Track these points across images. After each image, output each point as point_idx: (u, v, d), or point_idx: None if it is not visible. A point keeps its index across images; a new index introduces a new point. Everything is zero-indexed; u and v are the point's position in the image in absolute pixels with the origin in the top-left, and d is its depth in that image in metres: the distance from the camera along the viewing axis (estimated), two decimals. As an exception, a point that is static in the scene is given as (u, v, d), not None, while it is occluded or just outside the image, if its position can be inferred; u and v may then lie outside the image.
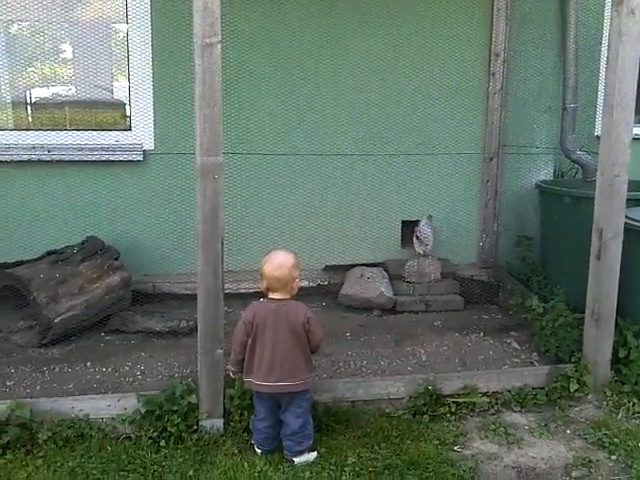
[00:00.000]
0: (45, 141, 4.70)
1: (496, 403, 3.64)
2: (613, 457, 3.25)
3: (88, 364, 3.93)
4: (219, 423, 3.34)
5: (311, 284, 5.05)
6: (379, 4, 4.92)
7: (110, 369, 3.88)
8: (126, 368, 3.90)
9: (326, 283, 5.11)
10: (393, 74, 5.03)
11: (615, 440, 3.35)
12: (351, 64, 4.97)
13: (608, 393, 3.72)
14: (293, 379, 3.09)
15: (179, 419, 3.28)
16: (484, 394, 3.66)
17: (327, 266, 5.12)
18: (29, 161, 4.63)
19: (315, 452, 3.19)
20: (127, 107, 4.87)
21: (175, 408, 3.31)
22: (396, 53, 5.01)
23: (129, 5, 4.66)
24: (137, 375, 3.83)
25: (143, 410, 3.32)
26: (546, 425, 3.49)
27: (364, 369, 3.93)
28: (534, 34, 5.23)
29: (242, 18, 4.72)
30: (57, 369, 3.87)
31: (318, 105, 4.97)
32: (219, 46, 3.06)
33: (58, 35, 5.04)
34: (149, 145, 4.80)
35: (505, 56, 5.12)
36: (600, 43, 5.36)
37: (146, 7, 4.64)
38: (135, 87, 4.76)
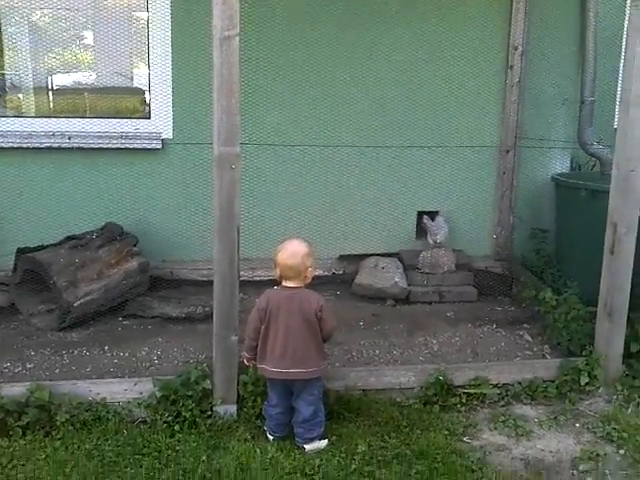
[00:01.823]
0: (65, 128, 4.76)
1: (506, 395, 3.67)
2: (621, 451, 3.27)
3: (106, 348, 4.01)
4: (232, 409, 3.40)
5: (326, 273, 5.09)
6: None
7: (127, 353, 3.96)
8: (143, 353, 3.98)
9: (341, 272, 5.15)
10: (410, 66, 5.04)
11: (624, 434, 3.37)
12: (368, 55, 4.98)
13: (619, 387, 3.74)
14: (305, 366, 3.15)
15: (193, 404, 3.35)
16: (495, 385, 3.69)
17: (342, 255, 5.16)
18: (49, 148, 4.70)
19: (326, 440, 3.24)
20: (147, 95, 4.92)
21: (190, 393, 3.37)
22: (414, 44, 5.02)
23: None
24: (153, 360, 3.91)
25: (159, 395, 3.39)
26: (555, 418, 3.52)
27: (376, 358, 3.98)
28: (553, 26, 5.21)
29: (262, 10, 4.75)
30: (75, 352, 3.95)
31: (335, 96, 4.99)
32: (237, 39, 3.09)
33: (80, 22, 5.11)
34: (167, 134, 4.85)
35: (523, 49, 5.10)
36: (621, 36, 5.33)
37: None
38: (155, 75, 4.81)
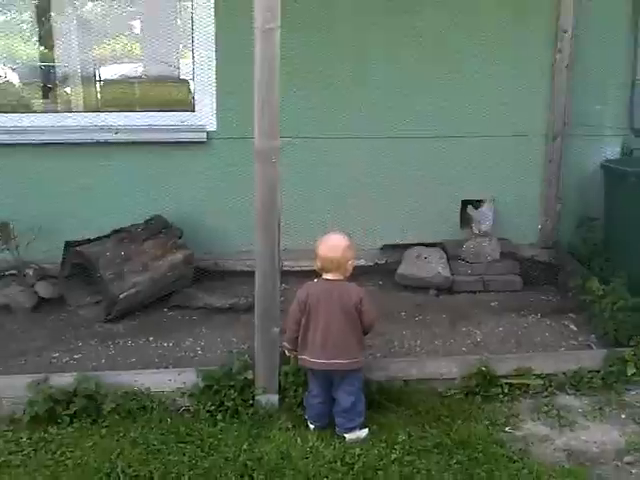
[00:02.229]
0: (112, 122, 4.85)
1: (550, 385, 3.63)
2: (667, 443, 3.21)
3: (151, 339, 4.10)
4: (274, 398, 3.44)
5: (369, 263, 5.09)
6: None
7: (171, 344, 4.04)
8: (187, 343, 4.05)
9: (383, 262, 5.14)
10: (455, 51, 4.96)
11: (670, 426, 3.30)
12: (412, 39, 4.92)
13: (667, 378, 3.66)
14: (344, 358, 3.16)
15: (236, 394, 3.40)
16: (538, 376, 3.65)
17: (385, 245, 5.14)
18: (97, 142, 4.80)
19: (366, 429, 3.26)
20: (191, 88, 4.97)
21: (232, 383, 3.43)
22: (459, 29, 4.93)
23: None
24: (197, 350, 3.98)
25: (202, 385, 3.46)
26: (600, 409, 3.47)
27: (418, 349, 3.97)
28: (603, 9, 5.03)
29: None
30: (121, 343, 4.05)
31: (376, 82, 4.96)
32: (279, 31, 3.09)
33: (125, 13, 5.18)
34: (212, 127, 4.90)
35: (572, 32, 4.97)
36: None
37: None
38: (199, 67, 4.84)
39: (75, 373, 3.48)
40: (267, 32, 3.06)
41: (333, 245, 3.24)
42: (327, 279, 3.26)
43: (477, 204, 5.08)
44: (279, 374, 3.45)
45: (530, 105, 5.11)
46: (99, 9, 5.21)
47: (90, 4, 5.15)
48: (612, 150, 5.27)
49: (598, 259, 4.85)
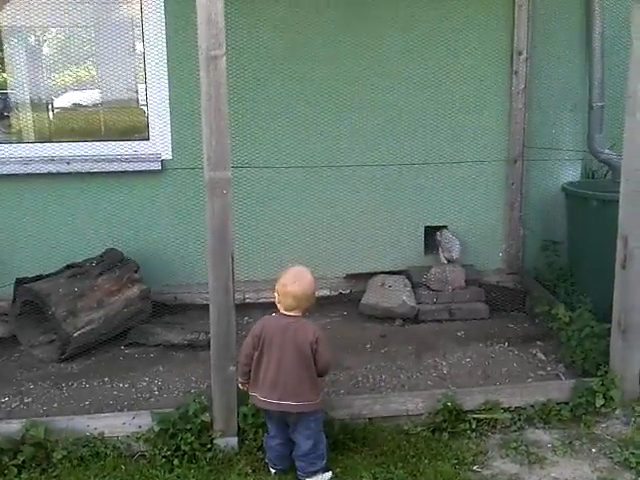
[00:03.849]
0: (64, 152, 4.70)
1: (519, 419, 3.52)
2: (640, 478, 3.12)
3: (106, 379, 3.93)
4: (233, 441, 3.29)
5: (332, 293, 4.99)
6: (395, 4, 4.82)
7: (127, 384, 3.88)
8: (143, 383, 3.89)
9: (347, 292, 5.04)
10: (411, 76, 4.91)
11: (643, 460, 3.21)
12: (367, 67, 4.87)
13: (637, 409, 3.57)
14: (296, 399, 3.00)
15: (193, 437, 3.24)
16: (506, 409, 3.55)
17: (348, 274, 5.04)
18: (48, 173, 4.64)
19: (330, 472, 3.12)
20: (145, 116, 4.84)
21: (189, 426, 3.27)
22: (413, 54, 4.88)
23: (144, 11, 4.61)
24: (154, 391, 3.81)
25: (157, 428, 3.29)
26: (570, 443, 3.36)
27: (383, 383, 3.85)
28: (558, 30, 5.05)
29: (255, 26, 4.67)
30: (75, 385, 3.87)
31: (338, 114, 4.89)
32: (224, 59, 3.00)
33: (78, 40, 5.04)
34: (167, 155, 4.77)
35: (528, 54, 4.96)
36: (628, 37, 5.18)
37: (160, 8, 4.60)
38: (152, 95, 4.73)
39: (24, 419, 3.29)
40: (212, 59, 2.96)
41: (296, 281, 3.07)
42: (284, 314, 3.11)
43: (440, 230, 5.01)
44: (238, 415, 3.31)
45: (489, 129, 5.08)
46: (51, 36, 5.06)
47: (41, 32, 5.00)
48: (573, 172, 5.26)
49: (563, 284, 4.81)
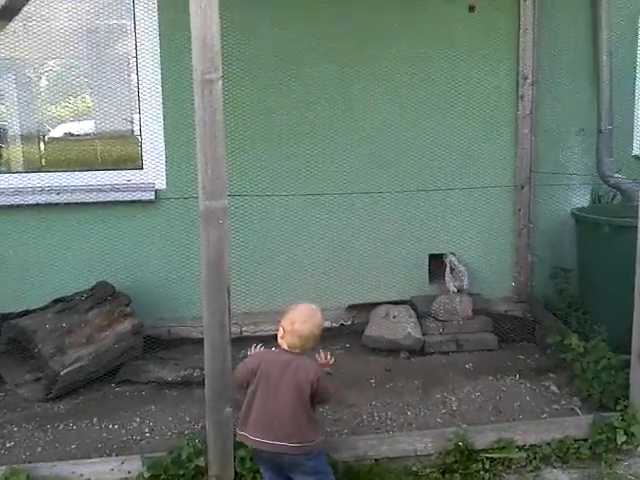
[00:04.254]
0: (54, 182, 4.53)
1: (534, 458, 3.30)
2: (667, 522, 2.90)
3: (94, 420, 3.70)
4: (230, 487, 3.08)
5: (334, 324, 4.78)
6: (398, 28, 4.69)
7: (117, 425, 3.65)
8: (134, 424, 3.66)
9: (349, 323, 4.83)
10: (415, 103, 4.77)
11: (669, 501, 3.00)
12: (370, 94, 4.73)
13: (660, 445, 3.36)
14: (292, 440, 2.77)
15: (186, 484, 3.03)
16: (521, 448, 3.33)
17: (350, 305, 4.84)
18: (37, 205, 4.46)
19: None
20: (139, 145, 4.68)
21: (182, 472, 3.06)
22: (417, 80, 4.75)
23: (139, 41, 4.50)
24: (145, 432, 3.59)
25: (147, 474, 3.08)
26: (591, 484, 3.15)
27: (389, 422, 3.62)
28: (564, 53, 4.93)
29: (256, 52, 4.54)
30: (61, 426, 3.65)
31: (340, 141, 4.74)
32: (220, 82, 2.84)
33: (68, 73, 4.91)
34: (161, 185, 4.60)
35: (534, 78, 4.82)
36: (635, 59, 5.06)
37: (155, 38, 4.48)
38: (146, 123, 4.58)
39: (4, 466, 3.07)
40: (207, 83, 2.79)
41: (306, 321, 2.88)
42: (286, 350, 2.90)
43: (450, 258, 4.82)
44: (234, 459, 3.09)
45: (495, 155, 4.93)
46: (48, 69, 4.93)
47: (38, 64, 4.87)
48: (581, 197, 5.09)
49: (575, 313, 4.61)
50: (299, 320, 2.88)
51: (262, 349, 3.08)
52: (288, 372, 2.82)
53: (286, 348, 2.90)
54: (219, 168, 2.89)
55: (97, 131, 4.94)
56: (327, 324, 4.60)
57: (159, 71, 4.48)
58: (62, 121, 4.98)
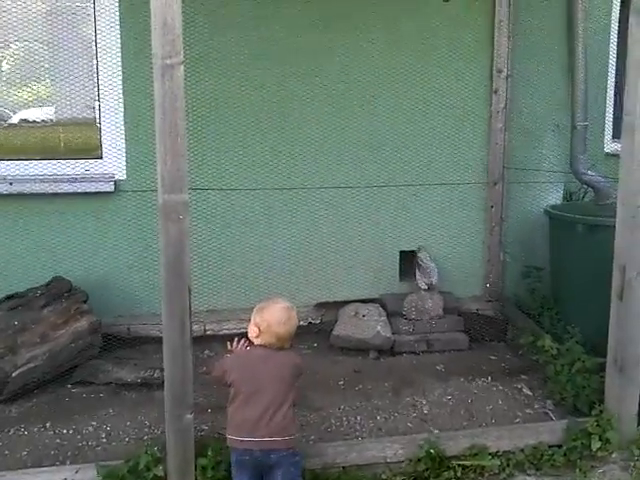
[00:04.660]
0: (7, 172, 4.29)
1: (507, 465, 3.18)
2: (644, 532, 2.81)
3: (48, 425, 3.49)
4: (190, 499, 2.91)
5: (301, 323, 4.49)
6: (372, 18, 4.53)
7: (72, 430, 3.44)
8: (90, 429, 3.46)
9: (318, 322, 4.67)
10: (385, 94, 4.63)
11: (645, 510, 2.91)
12: (348, 87, 4.58)
13: (635, 452, 3.25)
14: (283, 434, 2.69)
15: (144, 495, 2.85)
16: (494, 454, 3.21)
17: (319, 303, 4.69)
18: (-11, 195, 4.23)
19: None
20: (98, 133, 4.45)
21: (139, 482, 2.89)
22: (388, 70, 4.61)
23: (97, 21, 4.27)
24: (102, 438, 3.39)
25: (102, 485, 2.90)
26: (566, 492, 3.05)
27: (358, 427, 3.47)
28: (539, 47, 4.84)
29: (221, 37, 4.34)
30: (12, 431, 3.43)
31: (306, 134, 4.58)
32: (181, 67, 2.65)
33: (21, 51, 4.65)
34: (121, 175, 4.39)
35: (508, 72, 4.72)
36: (607, 54, 4.99)
37: (115, 21, 4.26)
38: (106, 109, 4.36)
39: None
40: (168, 68, 2.61)
41: (284, 323, 2.83)
42: (262, 345, 2.84)
43: (420, 252, 4.70)
44: (195, 468, 2.92)
45: (468, 150, 4.81)
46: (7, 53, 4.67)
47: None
48: (555, 195, 5.02)
49: (548, 312, 4.53)
50: (276, 322, 2.83)
51: (244, 343, 2.99)
52: (269, 365, 2.78)
53: (261, 343, 2.84)
54: (179, 159, 2.71)
55: (58, 118, 4.70)
56: (294, 322, 4.48)
57: (119, 55, 4.27)
58: (23, 106, 4.73)
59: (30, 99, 4.67)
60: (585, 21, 4.71)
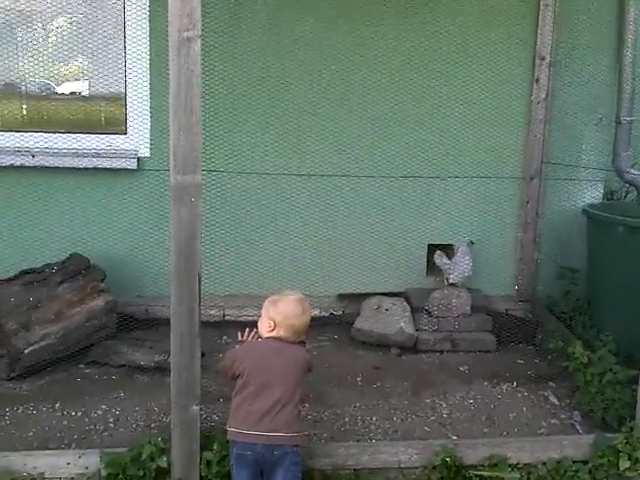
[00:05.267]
0: (30, 144, 4.21)
1: (528, 479, 3.02)
2: None
3: (57, 405, 3.42)
4: (193, 493, 2.81)
5: (323, 313, 4.49)
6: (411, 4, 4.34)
7: (80, 412, 3.37)
8: (99, 412, 3.38)
9: (340, 313, 4.54)
10: (420, 81, 4.44)
11: (674, 537, 2.72)
12: (372, 70, 4.39)
13: (666, 473, 3.08)
14: (288, 429, 2.60)
15: (145, 486, 2.76)
16: (514, 466, 3.05)
17: (341, 294, 4.55)
18: (11, 166, 4.14)
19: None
20: (123, 109, 4.34)
21: (142, 472, 2.81)
22: (425, 57, 4.41)
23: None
24: (109, 422, 3.30)
25: (105, 472, 2.82)
26: (589, 513, 2.88)
27: (373, 427, 3.33)
28: (586, 34, 4.55)
29: (241, 22, 4.21)
30: (20, 410, 3.37)
31: (338, 121, 4.42)
32: (199, 41, 2.51)
33: (50, 24, 4.56)
34: (145, 152, 4.28)
35: (552, 59, 4.48)
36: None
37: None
38: (132, 85, 4.26)
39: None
40: (185, 42, 2.47)
41: (300, 316, 2.77)
42: (275, 338, 2.75)
43: (447, 249, 4.52)
44: (200, 462, 2.82)
45: (505, 142, 4.60)
46: (37, 26, 4.57)
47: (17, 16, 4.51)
48: (594, 193, 4.77)
49: (580, 317, 4.32)
50: (292, 315, 2.77)
51: (255, 334, 2.89)
52: (282, 359, 2.71)
53: (274, 335, 2.76)
54: (193, 138, 2.58)
55: (90, 93, 4.61)
56: (316, 312, 4.36)
57: (147, 29, 4.15)
58: (48, 80, 4.65)
59: (73, 73, 4.60)
60: (637, 6, 4.44)
